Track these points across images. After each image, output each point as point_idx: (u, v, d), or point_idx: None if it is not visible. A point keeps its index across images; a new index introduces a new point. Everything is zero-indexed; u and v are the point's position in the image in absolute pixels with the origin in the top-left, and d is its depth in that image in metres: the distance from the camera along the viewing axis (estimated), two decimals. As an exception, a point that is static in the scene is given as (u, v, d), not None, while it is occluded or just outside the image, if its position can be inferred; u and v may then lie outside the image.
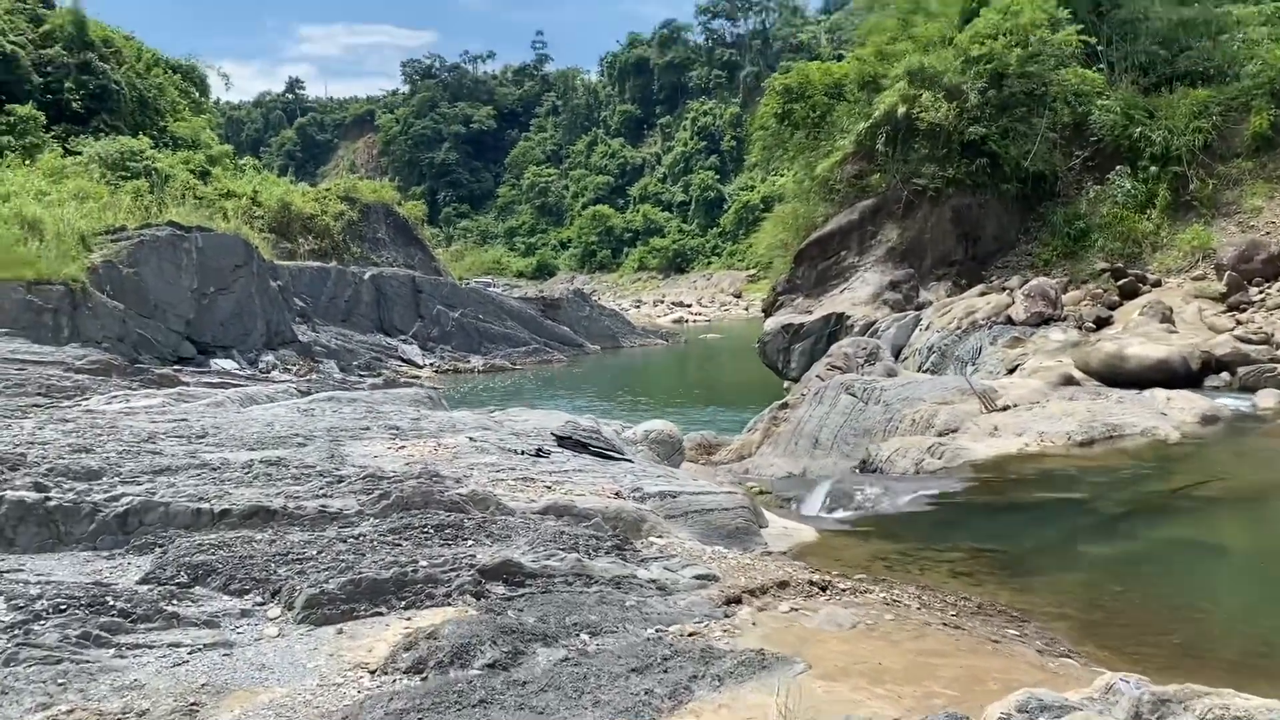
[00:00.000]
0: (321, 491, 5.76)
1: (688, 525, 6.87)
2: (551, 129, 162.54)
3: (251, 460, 6.40)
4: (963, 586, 6.37)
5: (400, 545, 5.01)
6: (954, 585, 6.40)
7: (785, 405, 17.91)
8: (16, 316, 24.99)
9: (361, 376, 36.35)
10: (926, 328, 28.85)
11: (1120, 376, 19.94)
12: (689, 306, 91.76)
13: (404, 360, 41.07)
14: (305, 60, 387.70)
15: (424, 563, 4.70)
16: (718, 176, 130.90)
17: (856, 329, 29.82)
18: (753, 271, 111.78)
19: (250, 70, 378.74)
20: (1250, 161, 29.99)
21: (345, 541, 4.99)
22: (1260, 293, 26.36)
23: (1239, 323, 24.59)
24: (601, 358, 48.27)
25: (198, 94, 56.55)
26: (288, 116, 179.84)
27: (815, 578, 5.52)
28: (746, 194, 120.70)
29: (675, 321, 74.75)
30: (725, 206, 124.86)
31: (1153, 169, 30.64)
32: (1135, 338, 22.61)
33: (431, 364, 41.71)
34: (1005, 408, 15.31)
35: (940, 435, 14.53)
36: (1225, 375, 20.88)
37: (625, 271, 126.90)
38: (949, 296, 30.79)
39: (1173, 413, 13.14)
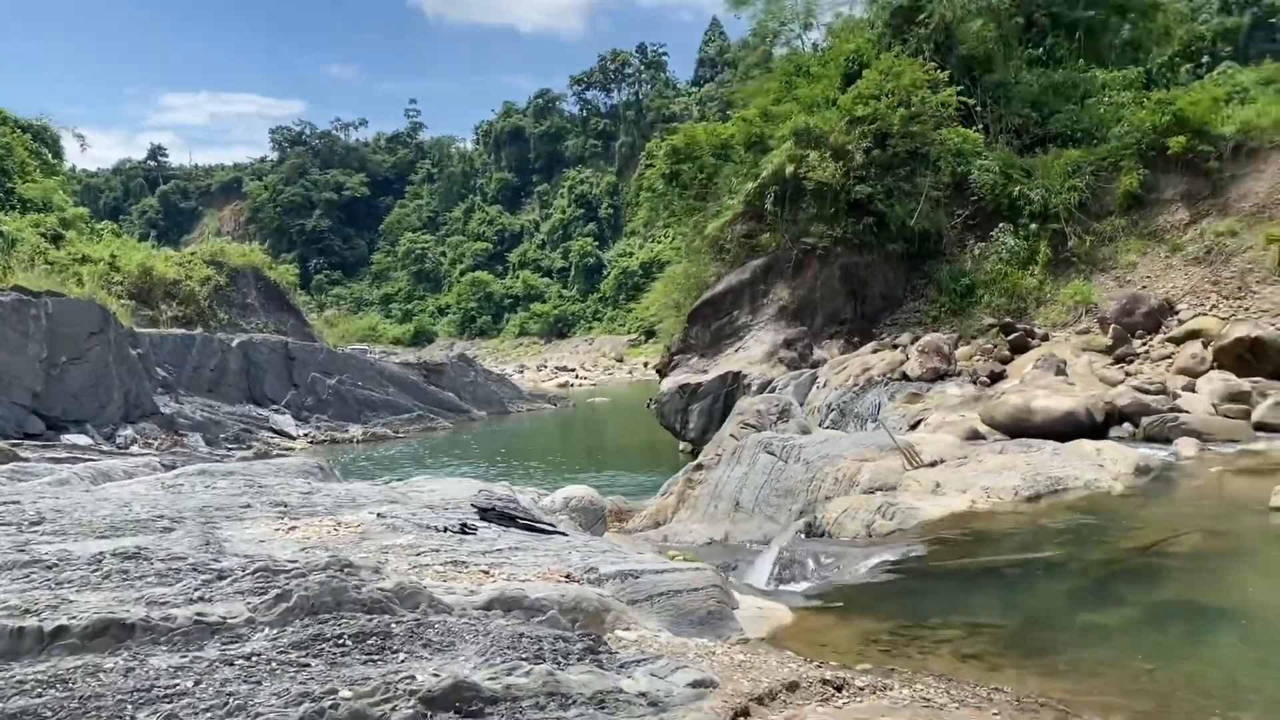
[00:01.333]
0: (197, 593, 4.35)
1: (655, 611, 5.73)
2: (427, 196, 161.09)
3: (101, 553, 4.91)
4: (981, 672, 5.42)
5: (309, 666, 3.71)
6: (970, 671, 5.44)
7: (700, 467, 16.93)
8: None
9: (230, 450, 33.94)
10: (824, 385, 28.51)
11: (1027, 429, 19.72)
12: (573, 371, 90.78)
13: (276, 431, 38.66)
14: (168, 129, 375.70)
15: (346, 692, 3.41)
16: (596, 243, 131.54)
17: (754, 387, 29.27)
18: (633, 336, 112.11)
19: (110, 139, 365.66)
20: (1123, 219, 30.92)
21: (232, 664, 3.64)
22: (1144, 344, 26.93)
23: (1128, 374, 24.95)
24: (489, 424, 46.64)
25: (50, 155, 53.26)
26: (149, 184, 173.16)
27: (828, 675, 4.46)
28: (625, 259, 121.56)
29: (560, 386, 73.55)
30: (605, 272, 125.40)
31: (1033, 226, 31.35)
32: (1039, 390, 22.50)
33: (306, 434, 39.40)
34: (933, 463, 14.67)
35: (868, 493, 13.77)
36: (1128, 425, 20.86)
37: (506, 337, 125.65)
38: (841, 354, 30.64)
39: (1108, 464, 12.67)
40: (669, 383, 30.69)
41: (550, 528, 7.73)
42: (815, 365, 30.03)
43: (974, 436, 19.68)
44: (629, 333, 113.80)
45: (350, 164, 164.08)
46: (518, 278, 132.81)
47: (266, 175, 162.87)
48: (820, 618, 6.95)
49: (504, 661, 3.86)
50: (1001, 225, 31.59)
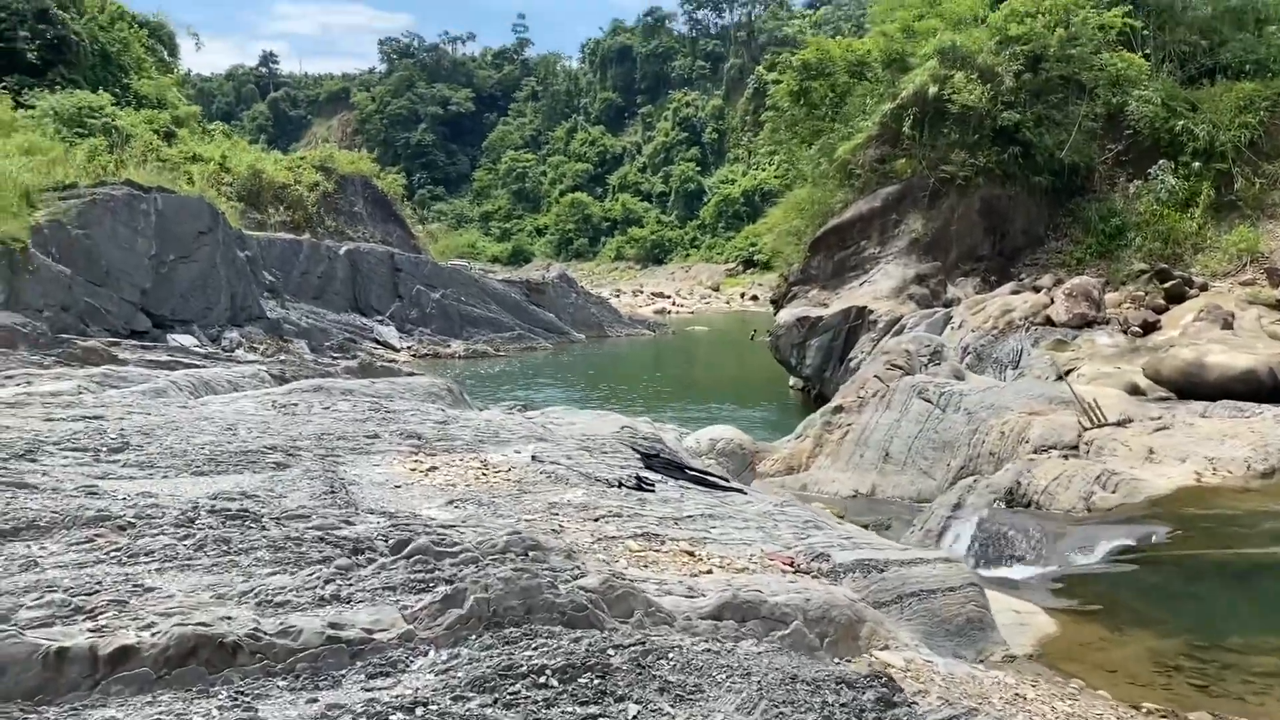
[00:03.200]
0: (328, 586, 3.09)
1: (906, 619, 4.35)
2: (531, 114, 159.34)
3: (196, 506, 3.73)
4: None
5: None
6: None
7: (839, 409, 15.40)
8: (-57, 277, 21.91)
9: (334, 358, 33.48)
10: (959, 326, 26.54)
11: (1200, 388, 17.68)
12: (669, 298, 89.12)
13: (379, 342, 38.20)
14: (280, 38, 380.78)
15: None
16: (698, 168, 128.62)
17: (880, 324, 27.48)
18: (731, 265, 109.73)
19: (223, 45, 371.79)
20: (1300, 161, 27.97)
21: (387, 721, 2.31)
22: (1321, 299, 24.35)
23: (1304, 331, 22.53)
24: (588, 346, 45.62)
25: (165, 53, 53.06)
26: (260, 91, 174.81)
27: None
28: (727, 187, 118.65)
29: (658, 312, 72.14)
30: (705, 199, 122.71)
31: (1195, 165, 28.65)
32: (1212, 344, 20.27)
33: (409, 347, 38.87)
34: (1119, 423, 12.89)
35: (1040, 451, 12.13)
36: (1313, 389, 18.57)
37: (602, 260, 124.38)
38: (977, 293, 28.58)
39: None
40: (786, 315, 29.02)
41: (725, 482, 6.38)
42: (948, 304, 28.09)
43: (1134, 391, 17.83)
44: (727, 262, 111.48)
45: (456, 79, 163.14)
46: (617, 200, 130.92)
47: (374, 87, 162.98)
48: (1087, 627, 5.52)
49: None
50: (1160, 163, 28.86)
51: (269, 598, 3.02)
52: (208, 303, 31.54)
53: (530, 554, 3.42)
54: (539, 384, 33.49)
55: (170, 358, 11.67)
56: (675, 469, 6.33)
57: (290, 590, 3.08)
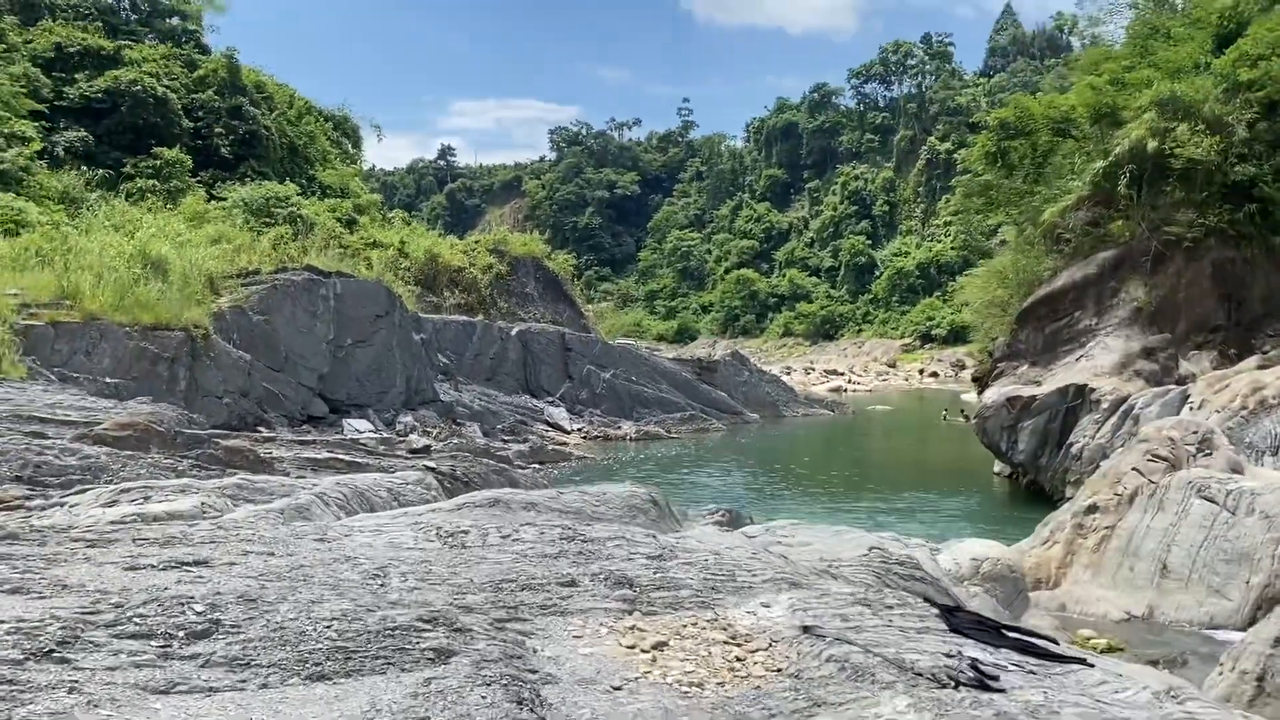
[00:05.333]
0: None
1: None
2: (695, 194, 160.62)
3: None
4: None
5: None
6: None
7: (1094, 509, 12.85)
8: (129, 365, 21.98)
9: (505, 441, 32.63)
10: (1199, 406, 23.20)
11: None
12: (843, 375, 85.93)
13: (550, 424, 37.24)
14: (457, 133, 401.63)
15: None
16: (869, 241, 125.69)
17: (1104, 405, 24.47)
18: (907, 340, 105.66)
19: (405, 141, 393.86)
20: None
21: None
22: None
23: None
24: (763, 427, 43.49)
25: (349, 145, 55.13)
26: (439, 182, 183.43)
27: None
28: (900, 259, 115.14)
29: (833, 390, 69.26)
30: (877, 273, 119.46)
31: None
32: None
33: (579, 429, 37.75)
34: None
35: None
36: None
37: (769, 337, 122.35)
38: (1215, 368, 25.18)
39: None
40: (993, 394, 26.29)
41: (1069, 653, 4.36)
42: (1181, 381, 24.84)
43: None
44: (903, 336, 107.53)
45: (623, 163, 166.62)
46: (784, 276, 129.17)
47: (544, 174, 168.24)
48: None
49: None
50: None
51: None
52: (383, 386, 31.26)
53: None
54: (718, 471, 31.56)
55: (329, 454, 10.52)
56: (988, 630, 4.38)
57: None
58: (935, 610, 4.41)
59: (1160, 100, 26.89)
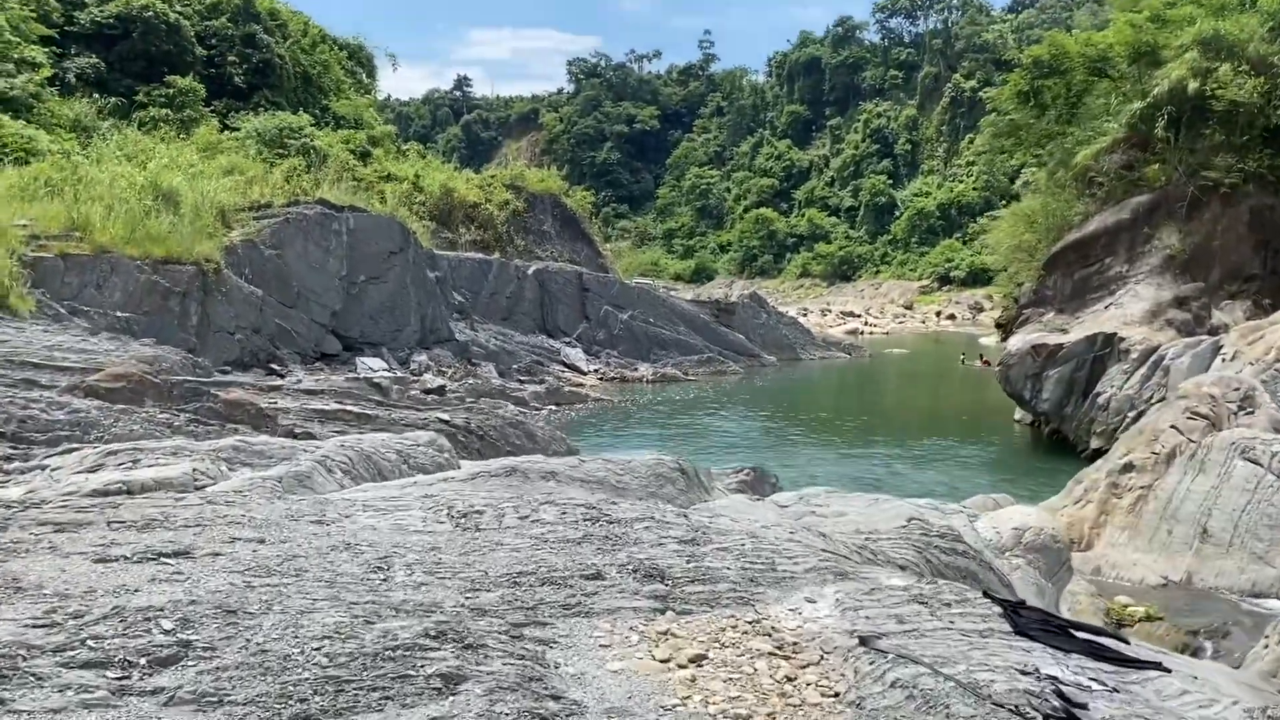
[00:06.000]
0: None
1: None
2: (715, 130, 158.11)
3: None
4: None
5: None
6: None
7: (1130, 467, 12.40)
8: (140, 299, 21.61)
9: (521, 382, 32.33)
10: (1231, 358, 22.60)
11: None
12: (859, 317, 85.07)
13: (567, 365, 36.89)
14: (474, 63, 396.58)
15: None
16: (890, 181, 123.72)
17: (1133, 354, 23.89)
18: (925, 282, 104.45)
19: (420, 71, 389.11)
20: None
21: None
22: None
23: None
24: (780, 370, 43.05)
25: (364, 74, 54.09)
26: (454, 114, 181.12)
27: None
28: (921, 200, 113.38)
29: (849, 333, 68.58)
30: (897, 213, 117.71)
31: None
32: None
33: (596, 370, 37.40)
34: None
35: None
36: None
37: (787, 277, 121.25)
38: (1249, 319, 24.51)
39: None
40: (1018, 341, 25.72)
41: (1144, 657, 3.95)
42: (1213, 331, 24.22)
43: None
44: (920, 279, 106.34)
45: (642, 96, 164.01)
46: (803, 216, 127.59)
47: (562, 107, 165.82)
48: None
49: None
50: None
51: None
52: (397, 324, 30.88)
53: None
54: (736, 415, 31.21)
55: (338, 405, 10.08)
56: (1055, 632, 3.98)
57: None
58: (998, 609, 4.00)
59: (1203, 39, 25.87)
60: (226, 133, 36.08)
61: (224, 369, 23.04)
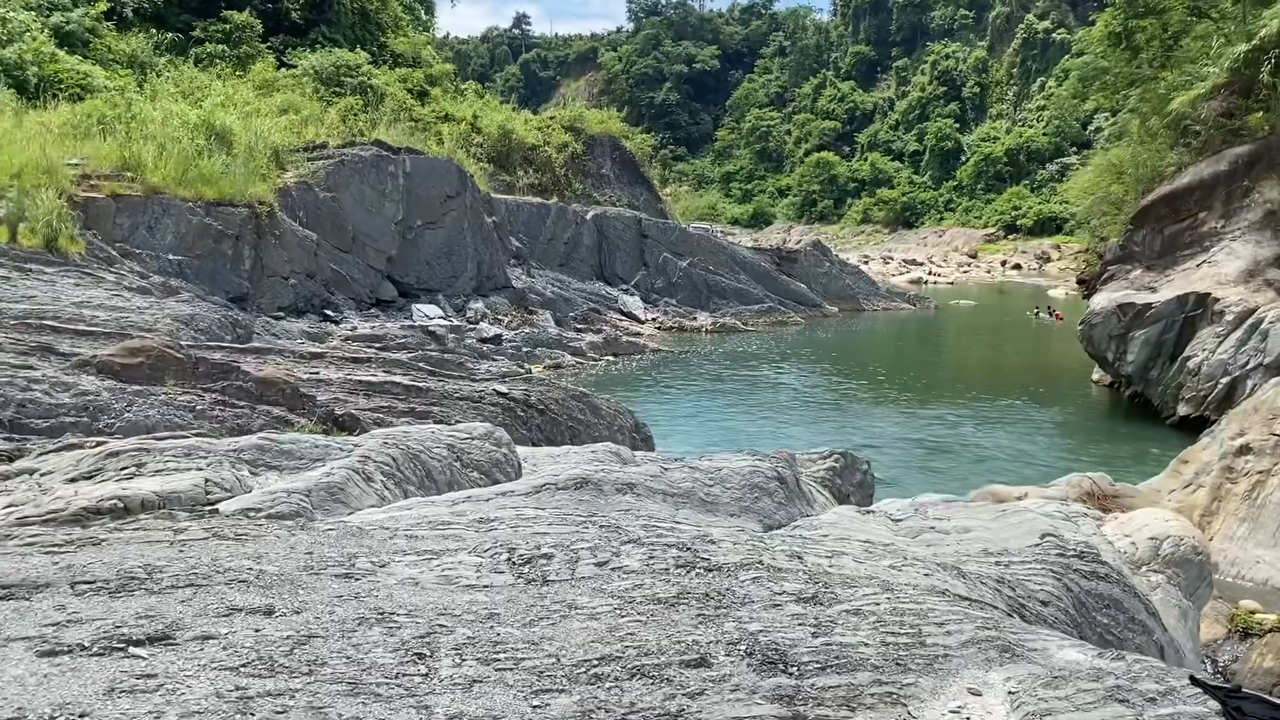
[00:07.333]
0: None
1: None
2: (777, 70, 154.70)
3: None
4: None
5: None
6: None
7: (1246, 449, 11.33)
8: (193, 242, 21.13)
9: (579, 330, 31.64)
10: (1338, 323, 21.17)
11: None
12: (922, 265, 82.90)
13: (624, 313, 36.13)
14: (533, 1, 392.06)
15: None
16: (957, 125, 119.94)
17: (1229, 317, 22.48)
18: (990, 230, 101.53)
19: (480, 10, 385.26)
20: None
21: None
22: None
23: None
24: (842, 321, 41.92)
25: (422, 11, 53.05)
26: (513, 52, 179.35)
27: None
28: (988, 145, 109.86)
29: (912, 282, 66.91)
30: (963, 159, 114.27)
31: None
32: None
33: (654, 319, 36.60)
34: None
35: None
36: None
37: (847, 223, 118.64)
38: (1356, 281, 22.93)
39: None
40: (1103, 299, 24.38)
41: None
42: (1318, 293, 22.66)
43: None
44: (986, 226, 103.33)
45: (703, 36, 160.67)
46: (865, 160, 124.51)
47: (621, 46, 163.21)
48: None
49: None
50: None
51: None
52: (453, 271, 30.24)
53: None
54: (799, 369, 30.24)
55: (385, 376, 9.29)
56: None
57: None
58: (1214, 703, 3.16)
59: (1319, -26, 23.97)
60: (283, 70, 35.43)
61: (277, 314, 22.59)
